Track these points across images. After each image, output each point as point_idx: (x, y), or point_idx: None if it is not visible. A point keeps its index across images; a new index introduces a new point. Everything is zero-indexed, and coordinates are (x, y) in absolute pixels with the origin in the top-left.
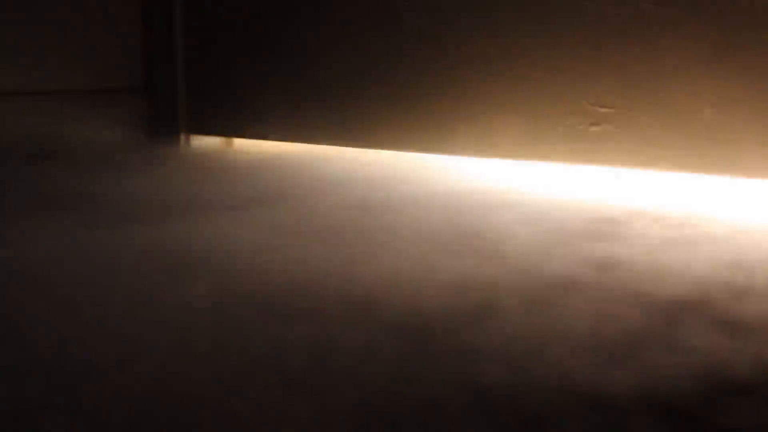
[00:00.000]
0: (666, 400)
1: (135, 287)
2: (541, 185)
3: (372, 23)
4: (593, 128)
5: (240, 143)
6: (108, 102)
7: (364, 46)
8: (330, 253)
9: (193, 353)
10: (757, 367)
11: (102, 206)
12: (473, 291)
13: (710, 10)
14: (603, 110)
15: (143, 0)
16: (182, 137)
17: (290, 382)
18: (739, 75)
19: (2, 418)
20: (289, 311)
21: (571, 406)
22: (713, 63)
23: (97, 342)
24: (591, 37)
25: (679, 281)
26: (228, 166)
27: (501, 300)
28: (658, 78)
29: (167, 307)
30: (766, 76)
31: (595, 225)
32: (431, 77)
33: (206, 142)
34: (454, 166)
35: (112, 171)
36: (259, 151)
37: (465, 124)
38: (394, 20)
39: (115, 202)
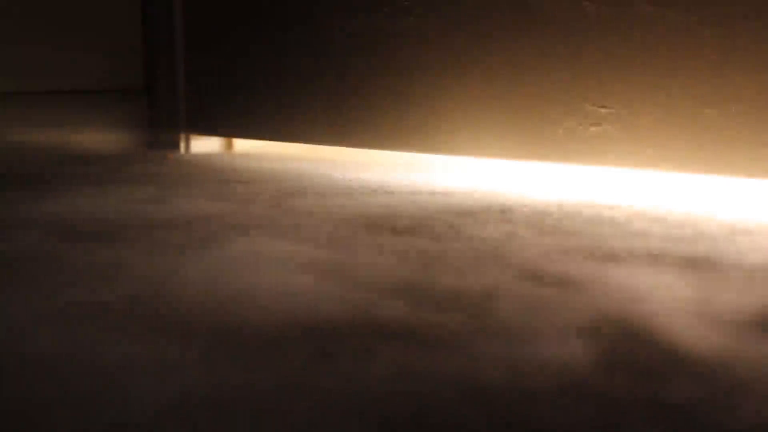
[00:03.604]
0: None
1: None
2: (540, 186)
3: (372, 23)
4: (593, 128)
5: (241, 144)
6: (108, 103)
7: (365, 46)
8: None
9: None
10: (760, 369)
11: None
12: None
13: (710, 11)
14: (603, 110)
15: (143, 0)
16: (182, 138)
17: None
18: (739, 75)
19: None
20: None
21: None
22: (713, 63)
23: None
24: (591, 38)
25: (678, 282)
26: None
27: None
28: (658, 78)
29: None
30: (765, 76)
31: (594, 225)
32: (431, 78)
33: (207, 143)
34: (456, 166)
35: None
36: (260, 152)
37: (464, 125)
38: (395, 21)
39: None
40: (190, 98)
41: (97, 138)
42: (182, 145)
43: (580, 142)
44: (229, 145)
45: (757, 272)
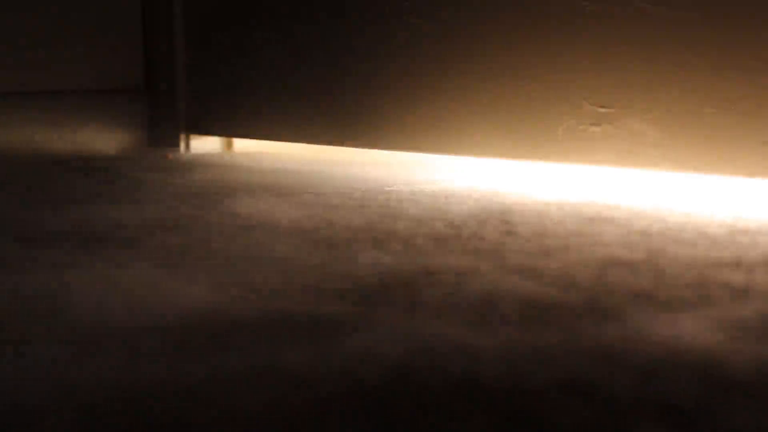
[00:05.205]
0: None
1: None
2: (540, 186)
3: (373, 23)
4: (593, 128)
5: (241, 143)
6: (108, 102)
7: (365, 46)
8: None
9: None
10: (760, 368)
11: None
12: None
13: (711, 10)
14: (603, 110)
15: (143, 0)
16: (182, 138)
17: None
18: (738, 74)
19: None
20: None
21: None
22: (713, 63)
23: None
24: (591, 37)
25: (678, 282)
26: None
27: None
28: (658, 78)
29: None
30: (765, 75)
31: (594, 225)
32: (431, 79)
33: (206, 143)
34: (457, 166)
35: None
36: (260, 152)
37: (464, 124)
38: (394, 20)
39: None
40: (190, 98)
41: (97, 138)
42: (182, 144)
43: (580, 142)
44: (229, 145)
45: (757, 272)
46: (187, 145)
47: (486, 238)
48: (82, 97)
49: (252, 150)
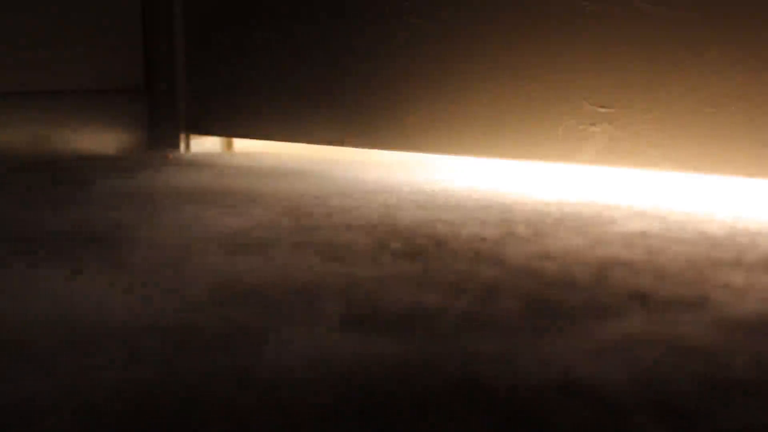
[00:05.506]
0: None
1: None
2: (540, 186)
3: (373, 23)
4: (593, 128)
5: (241, 143)
6: (107, 103)
7: (365, 46)
8: None
9: None
10: (761, 369)
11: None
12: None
13: (710, 10)
14: (603, 110)
15: (143, 0)
16: (182, 138)
17: None
18: (739, 74)
19: None
20: None
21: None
22: (713, 62)
23: None
24: (591, 37)
25: (678, 281)
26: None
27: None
28: (658, 78)
29: None
30: (766, 75)
31: (594, 225)
32: (431, 79)
33: (206, 143)
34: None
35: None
36: (260, 152)
37: (464, 124)
38: (394, 20)
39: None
40: (190, 98)
41: (97, 138)
42: (182, 144)
43: (580, 142)
44: (229, 145)
45: (756, 272)
46: (187, 145)
47: (486, 238)
48: (82, 97)
49: (252, 150)
